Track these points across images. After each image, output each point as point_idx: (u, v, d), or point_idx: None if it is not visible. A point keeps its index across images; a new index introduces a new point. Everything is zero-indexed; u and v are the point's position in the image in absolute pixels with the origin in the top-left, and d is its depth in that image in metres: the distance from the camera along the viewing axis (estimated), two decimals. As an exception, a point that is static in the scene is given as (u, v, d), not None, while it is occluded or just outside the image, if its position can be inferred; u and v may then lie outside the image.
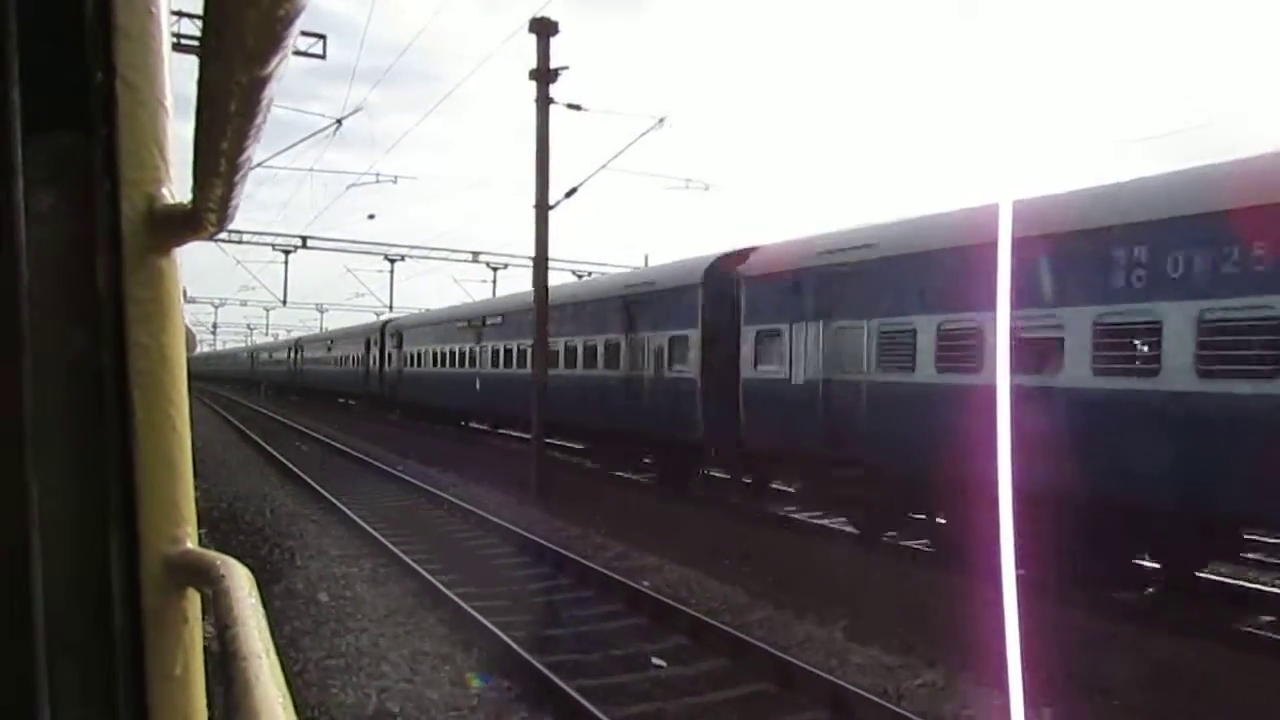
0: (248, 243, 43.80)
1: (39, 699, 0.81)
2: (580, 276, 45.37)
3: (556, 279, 21.78)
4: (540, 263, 16.99)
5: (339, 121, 19.55)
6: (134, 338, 0.85)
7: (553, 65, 15.26)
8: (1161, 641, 7.68)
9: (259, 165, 25.06)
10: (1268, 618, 8.95)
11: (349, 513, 13.35)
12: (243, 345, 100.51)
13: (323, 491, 15.32)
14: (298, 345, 60.64)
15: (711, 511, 14.29)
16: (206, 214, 0.83)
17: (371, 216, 33.77)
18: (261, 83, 0.66)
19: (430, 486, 16.25)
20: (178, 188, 0.88)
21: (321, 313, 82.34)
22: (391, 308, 45.54)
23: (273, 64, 0.64)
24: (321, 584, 9.61)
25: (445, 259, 46.98)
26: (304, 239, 43.86)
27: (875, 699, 6.04)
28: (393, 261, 46.09)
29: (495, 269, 50.69)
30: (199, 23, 0.59)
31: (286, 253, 45.07)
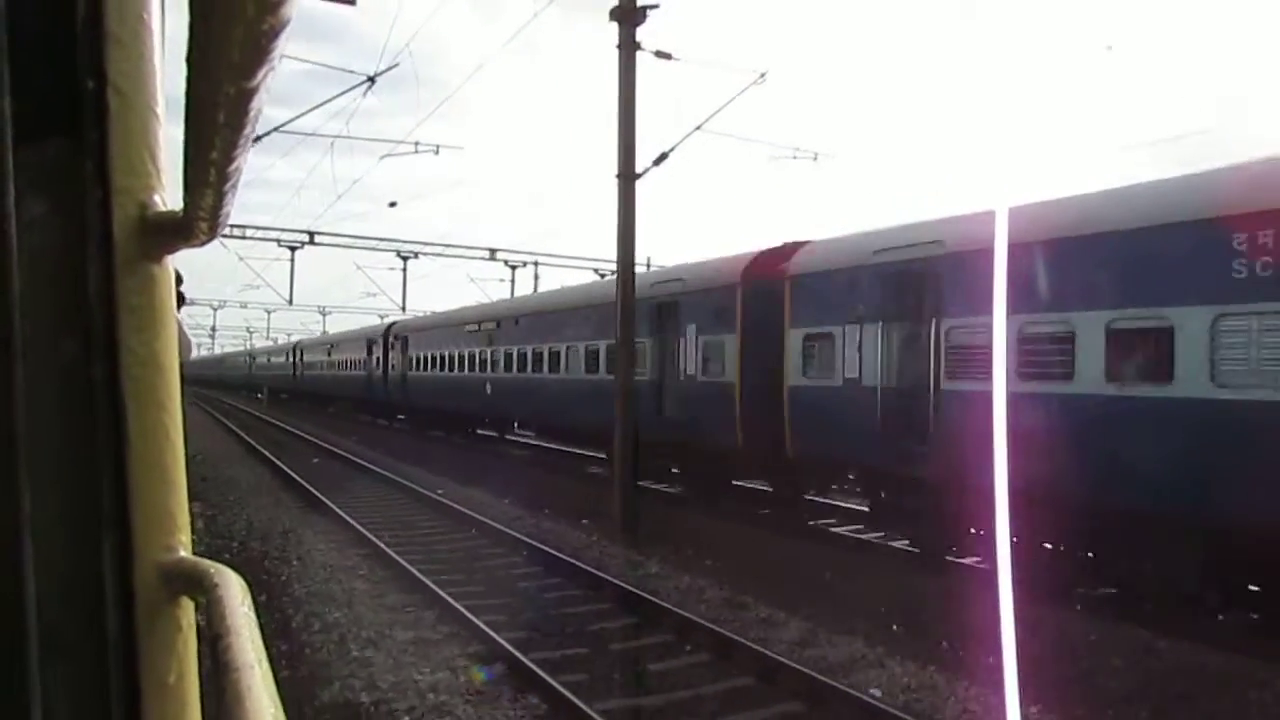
0: (251, 238, 39.79)
1: (32, 708, 0.82)
2: (603, 275, 41.51)
3: (576, 278, 18.83)
4: (626, 242, 14.71)
5: (371, 80, 15.88)
6: (127, 345, 0.88)
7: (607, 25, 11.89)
8: None
9: (280, 129, 21.16)
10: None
11: (407, 565, 11.34)
12: (270, 341, 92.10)
13: (362, 529, 13.78)
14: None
15: (858, 554, 12.31)
16: (198, 222, 0.86)
17: (393, 204, 30.06)
18: (249, 94, 0.69)
19: (491, 520, 14.35)
20: (170, 194, 0.89)
21: (324, 315, 78.33)
22: (405, 308, 41.87)
23: (259, 76, 0.67)
24: (399, 699, 6.93)
25: (461, 256, 42.70)
26: (311, 234, 44.56)
27: None
28: (405, 259, 42.20)
29: (514, 267, 48.17)
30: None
31: (292, 249, 43.91)
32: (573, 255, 48.01)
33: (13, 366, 0.81)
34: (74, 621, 0.85)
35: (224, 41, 0.63)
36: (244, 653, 0.73)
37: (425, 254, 45.48)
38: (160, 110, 0.89)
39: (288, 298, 42.70)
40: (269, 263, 42.99)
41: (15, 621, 0.81)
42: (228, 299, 77.75)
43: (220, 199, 0.82)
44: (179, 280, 0.96)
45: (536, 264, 43.11)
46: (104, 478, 0.86)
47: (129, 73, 0.86)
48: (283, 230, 43.48)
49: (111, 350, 0.86)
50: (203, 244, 0.91)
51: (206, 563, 0.88)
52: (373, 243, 43.85)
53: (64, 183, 0.85)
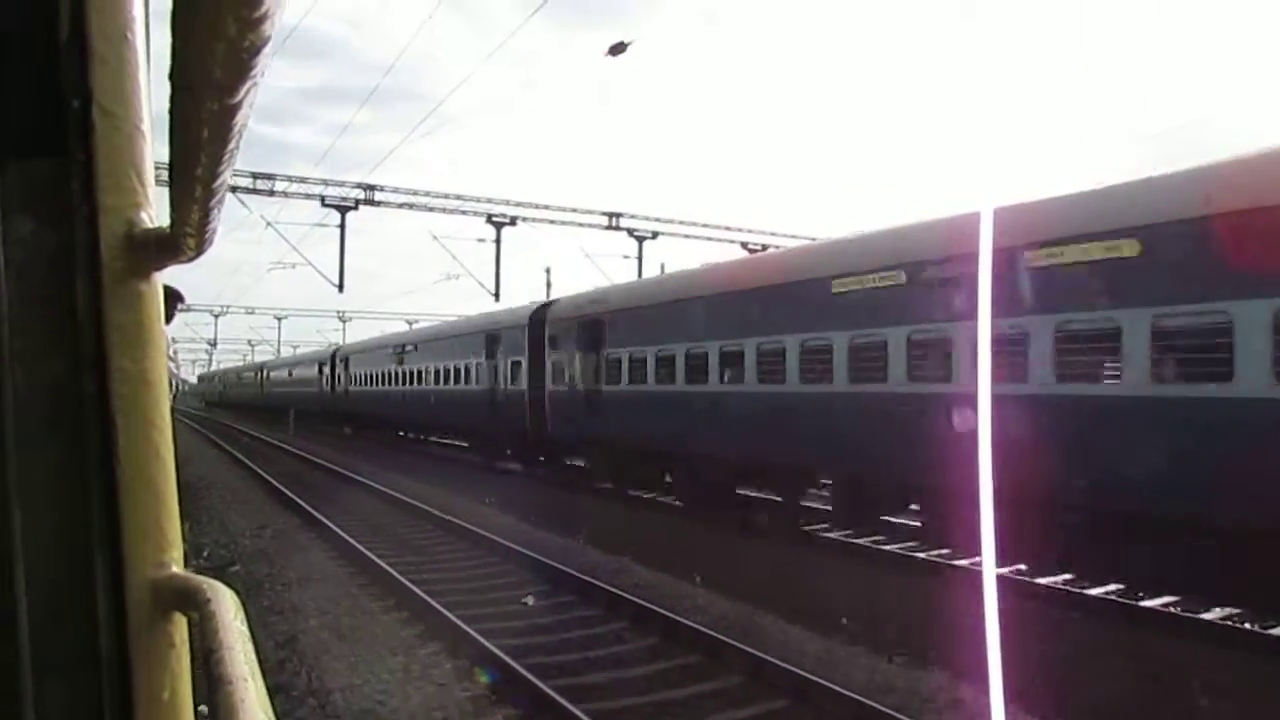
0: (283, 194, 24.74)
1: None
2: (752, 250, 32.39)
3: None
4: None
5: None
6: (115, 362, 0.91)
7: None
8: None
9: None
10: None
11: None
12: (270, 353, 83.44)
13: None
14: None
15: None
16: (185, 238, 0.90)
17: (619, 47, 15.96)
18: (232, 110, 0.72)
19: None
20: (157, 211, 0.97)
21: (344, 322, 66.03)
22: (498, 296, 27.82)
23: (242, 92, 0.70)
24: None
25: (573, 223, 28.41)
26: (369, 188, 31.76)
27: None
28: (499, 225, 26.77)
29: (641, 239, 35.40)
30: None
31: (343, 210, 31.10)
32: (716, 225, 34.07)
33: (1, 384, 0.86)
34: (67, 638, 0.89)
35: (206, 59, 0.65)
36: (237, 666, 0.76)
37: (526, 219, 30.90)
38: (146, 128, 0.94)
39: (335, 280, 28.59)
40: (306, 231, 29.78)
41: (9, 639, 0.86)
42: (229, 305, 63.86)
43: (206, 215, 0.86)
44: (180, 298, 1.02)
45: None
46: (94, 494, 0.91)
47: (114, 91, 0.90)
48: (327, 184, 28.80)
49: (100, 367, 0.90)
50: (190, 260, 0.95)
51: (199, 578, 0.93)
52: (454, 202, 29.64)
53: (51, 201, 0.89)
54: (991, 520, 1.65)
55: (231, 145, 0.75)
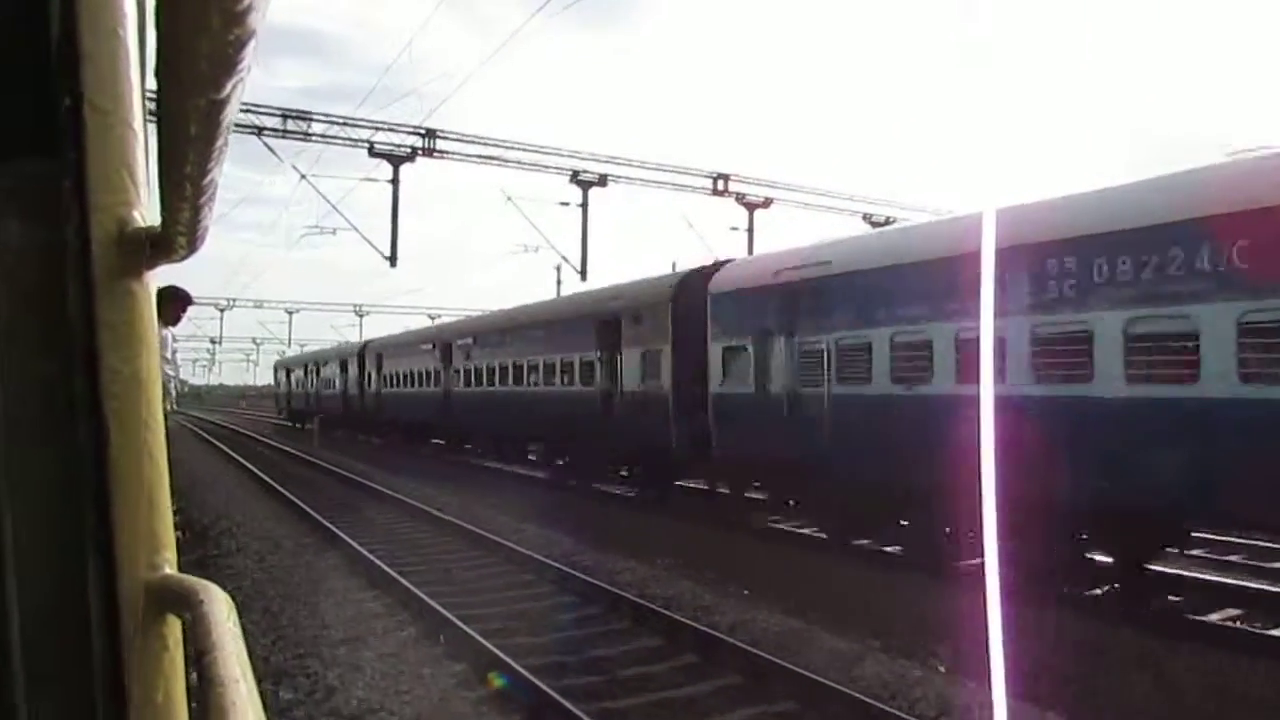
0: (320, 139, 14.54)
1: None
2: (876, 224, 27.80)
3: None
4: None
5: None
6: (107, 362, 0.92)
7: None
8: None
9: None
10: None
11: None
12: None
13: None
14: None
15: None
16: (176, 237, 0.93)
17: None
18: (219, 106, 0.74)
19: None
20: (150, 211, 1.00)
21: (361, 317, 60.51)
22: (584, 274, 20.46)
23: (228, 88, 0.72)
24: None
25: (672, 184, 29.26)
26: (429, 134, 25.10)
27: None
28: (586, 186, 28.44)
29: (752, 206, 29.18)
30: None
31: (396, 161, 24.75)
32: (836, 194, 27.59)
33: None
34: (59, 641, 0.91)
35: (191, 54, 0.67)
36: (229, 667, 0.78)
37: (617, 178, 28.35)
38: (138, 126, 0.95)
39: (388, 253, 22.01)
40: (350, 188, 26.86)
41: (1, 644, 0.89)
42: (236, 299, 57.71)
43: (197, 213, 0.87)
44: (188, 299, 1.29)
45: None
46: (86, 496, 0.92)
47: (105, 90, 0.91)
48: (376, 127, 21.54)
49: (92, 368, 0.91)
50: (182, 259, 0.98)
51: (192, 579, 0.95)
52: (532, 155, 23.30)
53: (42, 200, 0.90)
54: (994, 521, 1.67)
55: (220, 141, 0.76)
